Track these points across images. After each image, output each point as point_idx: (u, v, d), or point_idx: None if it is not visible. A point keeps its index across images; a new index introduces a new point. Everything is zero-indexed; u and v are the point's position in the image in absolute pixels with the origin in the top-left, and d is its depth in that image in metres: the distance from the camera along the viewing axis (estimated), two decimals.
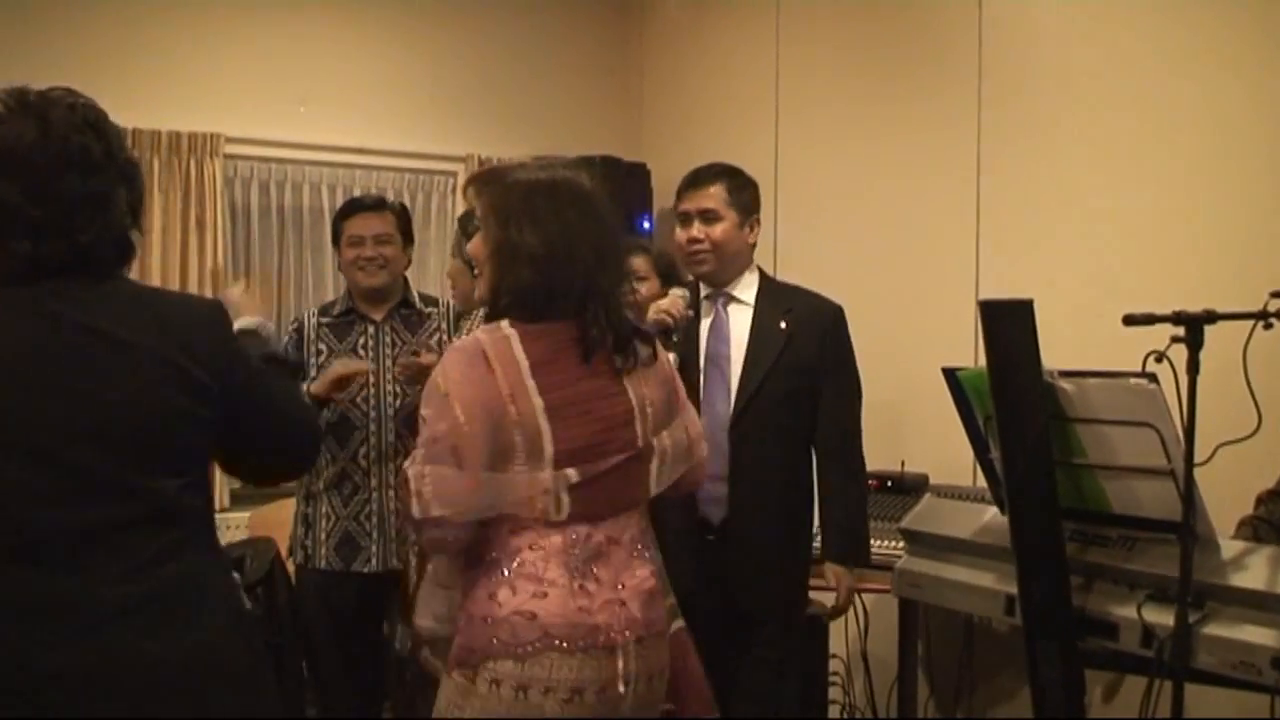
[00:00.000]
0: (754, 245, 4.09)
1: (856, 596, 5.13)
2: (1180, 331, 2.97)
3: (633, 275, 4.29)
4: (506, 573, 2.64)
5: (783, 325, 3.98)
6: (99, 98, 2.36)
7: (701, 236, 4.01)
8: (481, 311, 3.74)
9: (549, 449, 2.63)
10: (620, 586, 2.69)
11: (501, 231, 2.70)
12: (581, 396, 2.68)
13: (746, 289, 4.06)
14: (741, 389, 3.94)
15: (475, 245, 2.79)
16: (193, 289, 6.18)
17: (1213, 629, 2.99)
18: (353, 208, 4.58)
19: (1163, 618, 3.03)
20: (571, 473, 2.65)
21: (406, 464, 2.67)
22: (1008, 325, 3.21)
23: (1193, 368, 2.95)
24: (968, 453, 3.77)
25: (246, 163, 6.55)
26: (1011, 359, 3.21)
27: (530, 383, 2.62)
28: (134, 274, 6.43)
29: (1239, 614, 2.99)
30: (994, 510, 3.63)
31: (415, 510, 2.62)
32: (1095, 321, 3.44)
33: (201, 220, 6.26)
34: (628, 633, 2.67)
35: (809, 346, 3.96)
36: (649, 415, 2.78)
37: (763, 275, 4.12)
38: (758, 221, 4.08)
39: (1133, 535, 3.27)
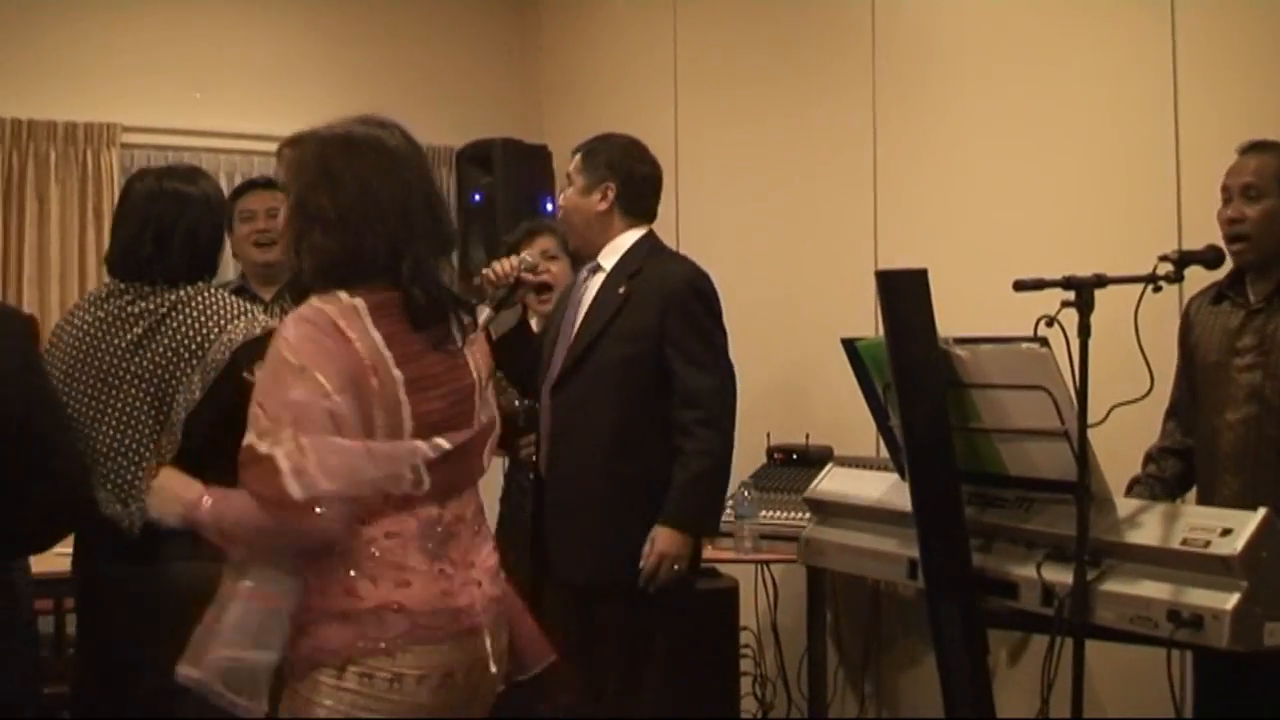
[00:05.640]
0: (605, 211, 3.93)
1: (766, 569, 5.20)
2: (1071, 296, 3.04)
3: (544, 254, 4.34)
4: (362, 563, 2.45)
5: (621, 290, 3.87)
6: None
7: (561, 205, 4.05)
8: None
9: (408, 424, 2.47)
10: (472, 565, 2.58)
11: (298, 195, 2.53)
12: (433, 369, 2.53)
13: (611, 256, 3.96)
14: (569, 353, 3.88)
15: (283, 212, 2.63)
16: (90, 279, 6.13)
17: (1110, 585, 3.06)
18: (244, 188, 4.66)
19: (1061, 576, 3.09)
20: (442, 441, 2.50)
21: (256, 443, 2.35)
22: (903, 294, 3.26)
23: (1083, 331, 3.01)
24: (871, 423, 3.82)
25: (144, 152, 6.45)
26: (908, 327, 3.26)
27: (387, 354, 2.45)
28: (34, 265, 6.37)
29: (1135, 569, 3.06)
30: (895, 477, 3.68)
31: (296, 491, 2.31)
32: (990, 289, 3.49)
33: (99, 210, 6.21)
34: (490, 610, 2.58)
35: (647, 313, 3.82)
36: (484, 389, 2.67)
37: (639, 243, 3.96)
38: (611, 187, 3.92)
39: (1030, 496, 3.34)
